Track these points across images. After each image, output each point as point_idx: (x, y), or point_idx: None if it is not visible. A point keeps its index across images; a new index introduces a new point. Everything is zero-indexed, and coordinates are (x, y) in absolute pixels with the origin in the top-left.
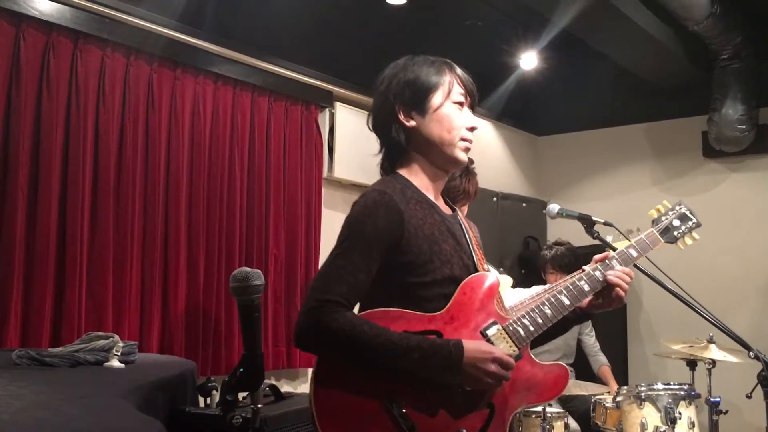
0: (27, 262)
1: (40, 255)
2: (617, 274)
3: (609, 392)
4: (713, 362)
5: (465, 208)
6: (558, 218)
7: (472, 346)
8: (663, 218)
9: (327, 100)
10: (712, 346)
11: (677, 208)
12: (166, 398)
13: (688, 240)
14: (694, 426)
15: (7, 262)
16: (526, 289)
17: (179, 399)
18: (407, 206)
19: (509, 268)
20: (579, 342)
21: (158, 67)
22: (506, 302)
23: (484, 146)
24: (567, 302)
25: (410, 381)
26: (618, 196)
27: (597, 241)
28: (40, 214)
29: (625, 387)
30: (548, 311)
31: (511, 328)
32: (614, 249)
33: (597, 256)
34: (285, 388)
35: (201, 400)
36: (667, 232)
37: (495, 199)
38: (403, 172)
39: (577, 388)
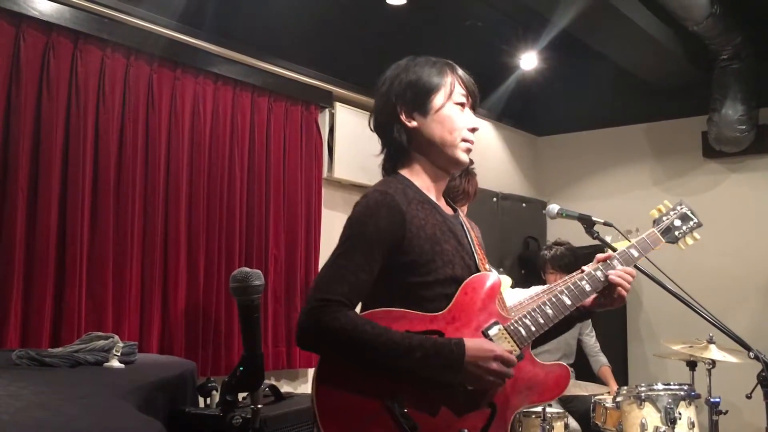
0: (27, 262)
1: (40, 255)
2: (618, 273)
3: (609, 392)
4: (713, 362)
5: (464, 209)
6: (558, 218)
7: (473, 344)
8: (664, 218)
9: (327, 100)
10: (712, 347)
11: (678, 208)
12: (166, 398)
13: (689, 240)
14: (694, 426)
15: (7, 262)
16: (524, 290)
17: (179, 399)
18: (409, 207)
19: (509, 269)
20: (579, 342)
21: (158, 67)
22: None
23: (484, 146)
24: (568, 302)
25: (412, 380)
26: (618, 197)
27: (597, 242)
28: (40, 214)
29: (625, 387)
30: (549, 311)
31: (512, 327)
32: (614, 249)
33: (599, 256)
34: (285, 388)
35: (201, 400)
36: (668, 232)
37: (495, 199)
38: (404, 172)
39: (577, 388)
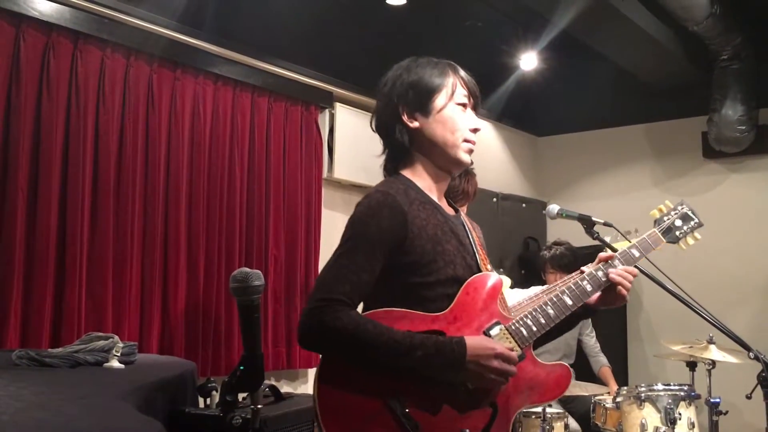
0: (27, 262)
1: (40, 255)
2: (619, 272)
3: (609, 393)
4: (713, 363)
5: (464, 209)
6: (558, 219)
7: (474, 342)
8: (665, 218)
9: (327, 100)
10: (712, 347)
11: (679, 208)
12: (166, 399)
13: (690, 240)
14: (694, 427)
15: (7, 262)
16: (524, 290)
17: (179, 400)
18: (411, 207)
19: (509, 269)
20: (579, 342)
21: (158, 67)
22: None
23: (484, 147)
24: (570, 302)
25: (414, 380)
26: (618, 197)
27: (597, 242)
28: (40, 214)
29: (625, 387)
30: (551, 311)
31: (513, 327)
32: (614, 250)
33: (602, 255)
34: (285, 388)
35: (201, 400)
36: (669, 232)
37: (495, 199)
38: (406, 173)
39: (577, 388)
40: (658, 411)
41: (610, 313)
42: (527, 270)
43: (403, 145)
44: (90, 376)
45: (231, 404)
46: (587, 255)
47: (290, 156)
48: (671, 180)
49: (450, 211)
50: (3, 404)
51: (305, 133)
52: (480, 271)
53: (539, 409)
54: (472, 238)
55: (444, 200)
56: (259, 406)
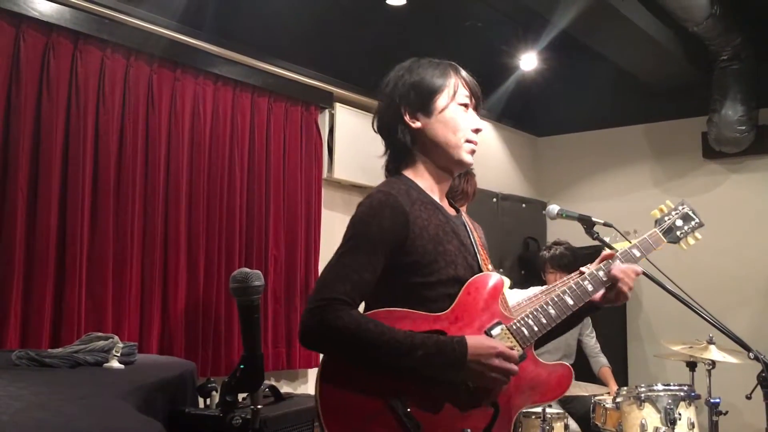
0: (27, 262)
1: (40, 255)
2: (620, 267)
3: (609, 393)
4: (713, 363)
5: (463, 209)
6: (558, 219)
7: (475, 341)
8: (666, 218)
9: (327, 100)
10: (712, 347)
11: (680, 208)
12: (165, 399)
13: (690, 240)
14: (693, 427)
15: (7, 262)
16: (523, 290)
17: (179, 400)
18: (412, 207)
19: (509, 269)
20: (579, 343)
21: (158, 67)
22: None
23: (484, 147)
24: (571, 302)
25: (415, 379)
26: (618, 197)
27: (597, 242)
28: (40, 214)
29: (625, 388)
30: (552, 311)
31: (515, 327)
32: (614, 250)
33: (604, 254)
34: (285, 388)
35: (201, 401)
36: (670, 232)
37: (495, 199)
38: (408, 173)
39: (577, 388)
40: (658, 411)
41: (610, 313)
42: (527, 270)
43: (405, 145)
44: (90, 377)
45: (231, 404)
46: (587, 255)
47: (290, 156)
48: (671, 180)
49: (451, 211)
50: (3, 404)
51: (305, 134)
52: (481, 271)
53: (539, 410)
54: (474, 238)
55: (445, 200)
56: (259, 407)
